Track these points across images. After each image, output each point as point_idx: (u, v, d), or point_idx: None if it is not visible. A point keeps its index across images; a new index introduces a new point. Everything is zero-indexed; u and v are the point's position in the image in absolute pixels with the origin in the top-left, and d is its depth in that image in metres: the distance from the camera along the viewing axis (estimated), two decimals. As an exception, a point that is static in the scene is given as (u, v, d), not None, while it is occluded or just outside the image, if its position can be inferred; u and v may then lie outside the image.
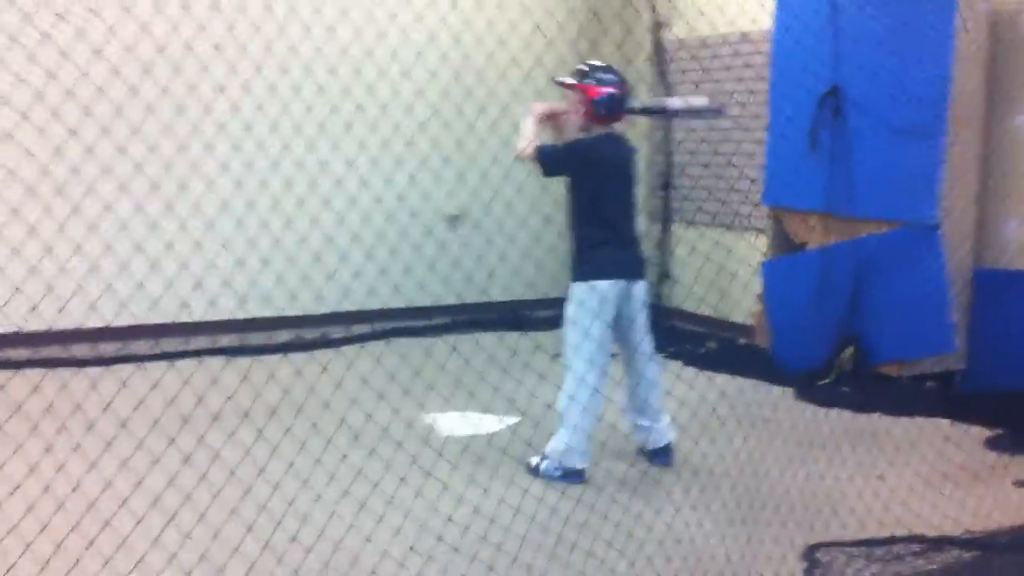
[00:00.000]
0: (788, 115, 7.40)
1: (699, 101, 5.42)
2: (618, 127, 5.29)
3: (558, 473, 5.13)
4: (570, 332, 5.09)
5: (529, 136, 5.17)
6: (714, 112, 5.42)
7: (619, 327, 5.27)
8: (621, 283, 5.11)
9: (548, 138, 5.34)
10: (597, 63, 5.34)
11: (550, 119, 5.31)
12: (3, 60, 4.79)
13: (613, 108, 5.13)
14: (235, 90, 5.29)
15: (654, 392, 5.31)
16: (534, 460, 5.25)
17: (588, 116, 5.15)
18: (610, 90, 5.11)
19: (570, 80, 5.21)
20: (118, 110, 4.72)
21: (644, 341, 5.29)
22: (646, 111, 5.51)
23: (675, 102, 5.42)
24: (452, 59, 6.15)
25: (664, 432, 5.38)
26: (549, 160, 5.14)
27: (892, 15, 6.74)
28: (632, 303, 5.21)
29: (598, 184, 5.14)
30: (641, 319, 5.26)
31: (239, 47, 5.00)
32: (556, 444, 5.16)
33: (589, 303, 5.02)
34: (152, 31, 4.84)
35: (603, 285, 5.03)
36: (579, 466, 5.13)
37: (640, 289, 5.25)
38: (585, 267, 5.14)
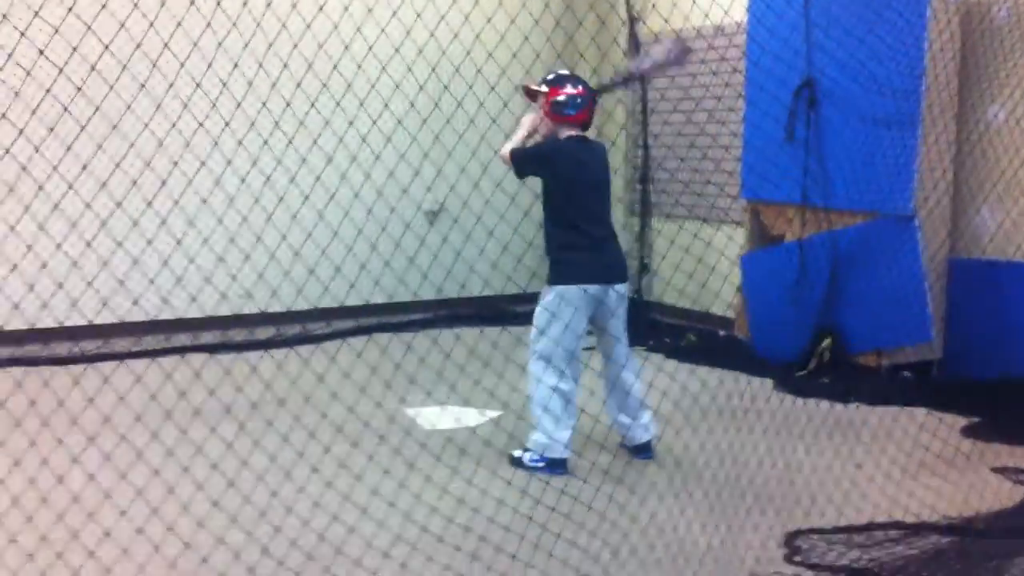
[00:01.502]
0: (763, 108, 7.44)
1: (659, 51, 5.43)
2: (589, 133, 5.35)
3: (541, 464, 5.16)
4: (544, 331, 5.13)
5: (515, 140, 5.24)
6: (679, 57, 5.42)
7: (596, 326, 5.32)
8: (594, 287, 5.14)
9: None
10: (563, 72, 5.43)
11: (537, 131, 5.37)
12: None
13: (574, 107, 5.18)
14: (213, 87, 5.28)
15: (633, 388, 5.35)
16: (517, 452, 5.28)
17: (551, 117, 5.22)
18: (571, 91, 5.18)
19: (533, 86, 5.29)
20: (97, 108, 4.70)
21: (622, 339, 5.33)
22: (616, 84, 5.56)
23: (638, 63, 5.44)
24: (428, 53, 6.15)
25: (645, 428, 5.42)
26: (519, 160, 5.21)
27: (865, 6, 6.80)
28: (608, 304, 5.22)
29: (566, 186, 5.19)
30: (618, 318, 5.29)
31: (216, 44, 4.98)
32: (536, 437, 5.19)
33: (561, 307, 5.07)
34: (128, 26, 4.83)
35: (574, 290, 5.07)
36: (561, 456, 5.17)
37: (618, 290, 5.27)
38: (557, 270, 5.19)
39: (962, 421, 6.05)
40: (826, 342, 6.95)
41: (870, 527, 4.37)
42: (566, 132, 5.24)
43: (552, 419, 5.10)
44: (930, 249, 6.68)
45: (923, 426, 5.68)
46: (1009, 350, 6.50)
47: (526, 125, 5.31)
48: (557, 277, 5.15)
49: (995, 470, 5.20)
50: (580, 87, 5.23)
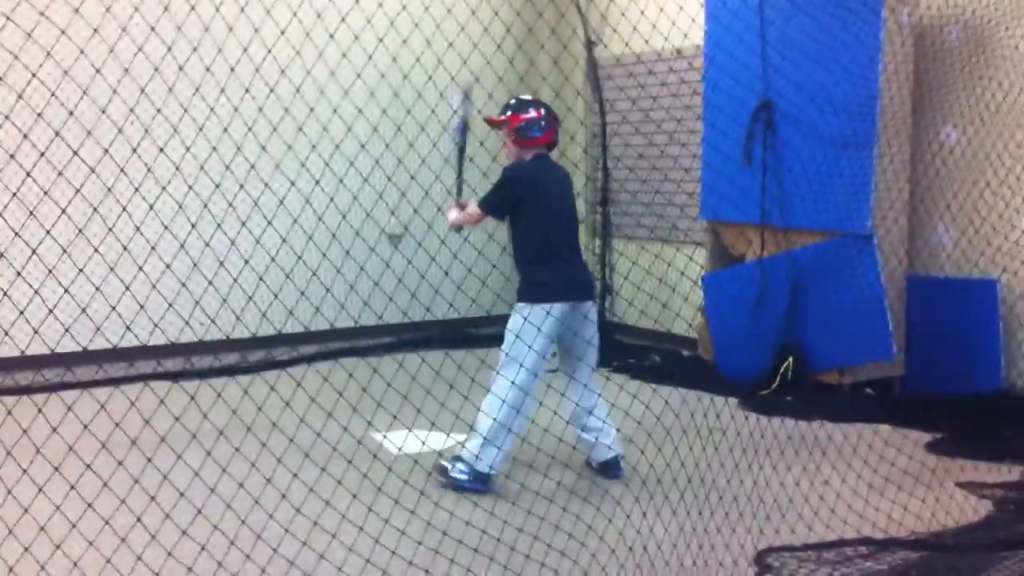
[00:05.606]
0: (722, 129, 7.51)
1: (455, 101, 5.54)
2: (552, 155, 5.50)
3: (466, 477, 5.20)
4: (510, 347, 5.17)
5: (459, 216, 5.42)
6: (464, 98, 5.54)
7: (563, 344, 5.35)
8: (566, 305, 5.20)
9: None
10: (524, 97, 5.55)
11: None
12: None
13: (539, 130, 5.29)
14: (174, 112, 5.26)
15: (598, 407, 5.37)
16: (444, 462, 5.32)
17: (517, 143, 5.32)
18: (532, 115, 5.29)
19: (497, 116, 5.39)
20: (55, 133, 4.67)
21: (588, 358, 5.36)
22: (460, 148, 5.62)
23: (454, 122, 5.57)
24: (391, 78, 6.17)
25: (610, 446, 5.43)
26: (493, 205, 5.32)
27: (820, 29, 6.90)
28: (576, 321, 5.27)
29: (536, 205, 5.27)
30: (587, 337, 5.33)
31: (176, 69, 4.97)
32: (473, 448, 5.21)
33: (532, 323, 5.11)
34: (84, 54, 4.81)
35: (548, 307, 5.14)
36: (488, 471, 5.21)
37: (586, 309, 5.32)
38: (531, 288, 5.24)
39: (926, 437, 6.12)
40: (788, 361, 7.01)
41: (840, 543, 4.41)
42: (531, 154, 5.31)
43: (499, 435, 5.15)
44: (889, 267, 6.77)
45: (888, 442, 5.74)
46: (969, 366, 6.60)
47: (459, 217, 5.45)
48: (531, 295, 5.22)
49: (960, 485, 5.25)
50: (540, 109, 5.34)
